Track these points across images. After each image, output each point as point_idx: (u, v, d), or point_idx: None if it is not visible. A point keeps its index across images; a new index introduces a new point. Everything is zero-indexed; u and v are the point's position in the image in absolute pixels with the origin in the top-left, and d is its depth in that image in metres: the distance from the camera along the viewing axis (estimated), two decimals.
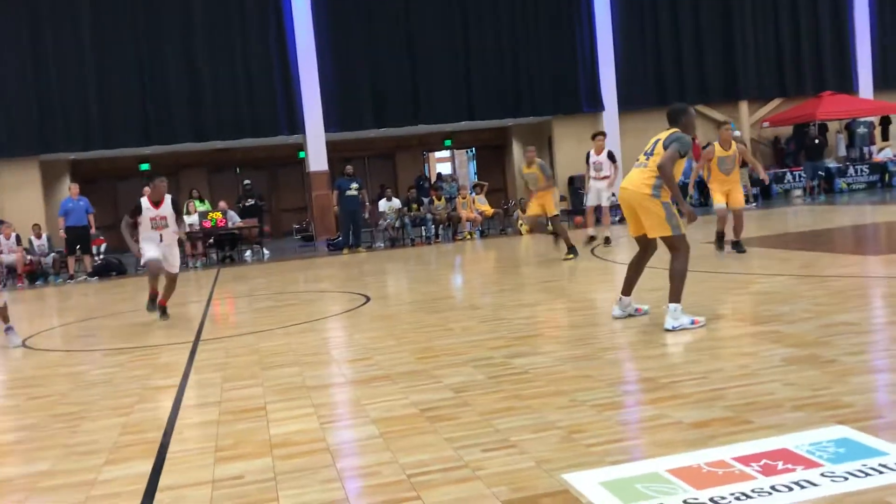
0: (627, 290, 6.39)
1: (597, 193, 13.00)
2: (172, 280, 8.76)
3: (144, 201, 8.62)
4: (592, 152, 13.02)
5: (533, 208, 11.73)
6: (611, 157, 12.77)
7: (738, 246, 9.89)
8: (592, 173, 12.97)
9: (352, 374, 5.37)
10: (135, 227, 8.60)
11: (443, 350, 5.84)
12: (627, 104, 21.42)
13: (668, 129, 5.96)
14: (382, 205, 18.26)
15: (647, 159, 5.93)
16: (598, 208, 13.19)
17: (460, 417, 4.09)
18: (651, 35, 21.54)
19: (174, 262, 8.78)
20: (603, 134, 13.32)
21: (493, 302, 8.20)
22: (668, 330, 5.68)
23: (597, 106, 21.27)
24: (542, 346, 5.72)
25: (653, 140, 6.03)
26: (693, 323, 5.75)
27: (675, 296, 5.78)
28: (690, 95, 21.69)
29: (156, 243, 8.54)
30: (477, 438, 3.72)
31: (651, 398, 4.19)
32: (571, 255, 11.15)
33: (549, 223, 11.87)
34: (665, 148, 5.80)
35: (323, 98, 19.73)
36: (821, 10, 22.32)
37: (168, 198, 8.67)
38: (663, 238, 5.95)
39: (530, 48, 20.87)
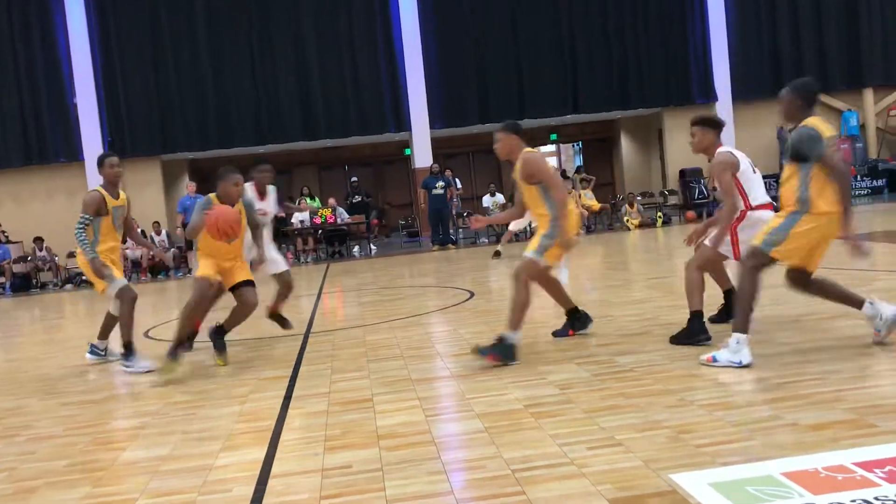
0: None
1: None
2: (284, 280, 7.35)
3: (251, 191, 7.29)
4: None
5: None
6: None
7: None
8: None
9: (456, 368, 5.40)
10: None
11: (547, 346, 5.80)
12: (742, 94, 20.67)
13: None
14: (486, 200, 18.29)
15: None
16: None
17: (565, 414, 4.05)
18: (767, 19, 20.70)
19: (278, 259, 7.43)
20: None
21: (599, 299, 8.08)
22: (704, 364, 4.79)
23: (710, 96, 20.62)
24: (648, 344, 5.59)
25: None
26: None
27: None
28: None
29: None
30: (582, 436, 3.67)
31: (764, 398, 4.03)
32: None
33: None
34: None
35: (428, 95, 19.93)
36: None
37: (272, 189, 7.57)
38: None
39: (638, 37, 20.43)
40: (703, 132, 5.64)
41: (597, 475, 3.17)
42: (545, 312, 7.06)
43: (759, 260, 4.72)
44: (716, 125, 5.70)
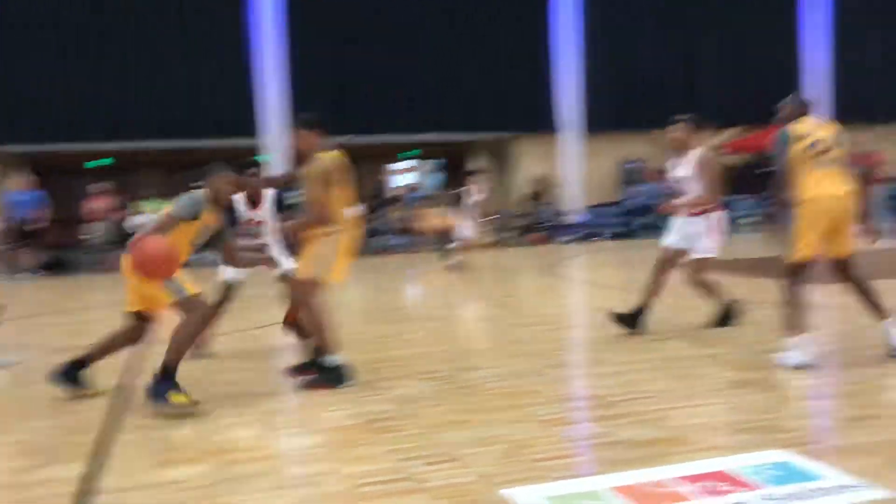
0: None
1: None
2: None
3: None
4: None
5: None
6: None
7: None
8: None
9: (296, 382, 5.29)
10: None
11: (392, 361, 5.80)
12: (589, 126, 21.65)
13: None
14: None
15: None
16: None
17: (405, 429, 4.05)
18: (617, 57, 21.82)
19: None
20: None
21: (446, 315, 8.19)
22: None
23: (558, 126, 21.47)
24: (493, 360, 5.71)
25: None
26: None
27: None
28: (651, 122, 22.01)
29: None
30: (421, 451, 3.69)
31: (598, 415, 4.20)
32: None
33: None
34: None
35: (288, 101, 19.60)
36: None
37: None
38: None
39: (492, 65, 20.99)
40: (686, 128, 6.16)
41: (435, 490, 3.19)
42: (396, 328, 7.06)
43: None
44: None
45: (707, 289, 6.49)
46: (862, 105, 21.20)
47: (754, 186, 21.78)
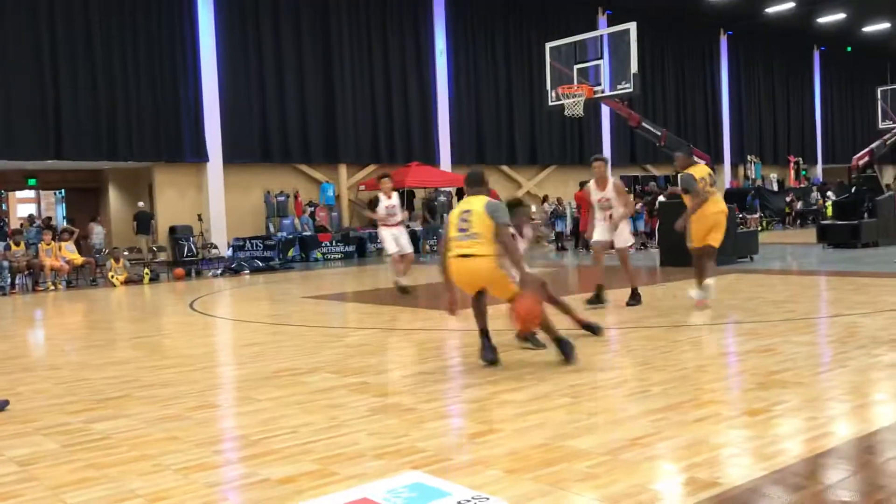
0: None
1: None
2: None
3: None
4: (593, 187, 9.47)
5: None
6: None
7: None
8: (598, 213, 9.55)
9: None
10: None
11: (7, 418, 5.15)
12: (232, 157, 21.41)
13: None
14: None
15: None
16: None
17: (24, 494, 3.62)
18: (257, 93, 21.87)
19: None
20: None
21: (75, 361, 7.49)
22: None
23: (201, 155, 20.91)
24: (128, 408, 5.34)
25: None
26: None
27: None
28: (294, 155, 22.45)
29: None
30: None
31: (241, 456, 4.14)
32: None
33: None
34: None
35: None
36: (410, 95, 24.69)
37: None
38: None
39: (129, 89, 19.80)
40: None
41: None
42: (11, 378, 6.28)
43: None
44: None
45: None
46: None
47: None
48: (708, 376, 5.62)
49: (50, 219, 22.14)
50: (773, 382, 5.25)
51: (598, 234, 9.40)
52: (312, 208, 22.63)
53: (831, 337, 7.15)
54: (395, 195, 12.02)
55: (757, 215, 26.62)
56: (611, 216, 9.28)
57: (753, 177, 34.49)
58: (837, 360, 6.01)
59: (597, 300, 9.30)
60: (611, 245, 9.46)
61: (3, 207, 24.46)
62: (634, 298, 9.38)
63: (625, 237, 9.39)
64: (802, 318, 8.13)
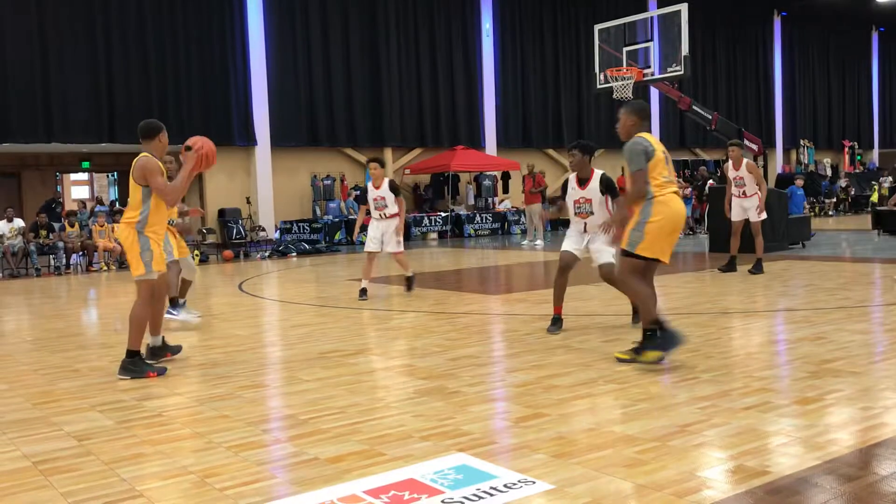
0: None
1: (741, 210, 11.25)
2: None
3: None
4: (730, 166, 11.12)
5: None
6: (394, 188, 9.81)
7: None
8: (734, 190, 11.15)
9: None
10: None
11: (65, 393, 5.30)
12: (279, 141, 21.59)
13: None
14: (1, 227, 16.21)
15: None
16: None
17: (81, 468, 3.73)
18: (304, 75, 21.99)
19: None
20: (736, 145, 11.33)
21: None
22: None
23: (250, 140, 21.14)
24: (179, 386, 5.46)
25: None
26: None
27: None
28: (341, 139, 22.56)
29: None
30: (100, 490, 3.42)
31: (289, 435, 4.19)
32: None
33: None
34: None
35: None
36: (456, 78, 24.60)
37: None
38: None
39: (180, 77, 20.09)
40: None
41: None
42: (68, 356, 6.45)
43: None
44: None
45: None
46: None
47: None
48: (758, 364, 5.53)
49: (114, 203, 22.57)
50: (825, 371, 5.15)
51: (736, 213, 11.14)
52: (358, 192, 22.75)
53: (887, 326, 6.98)
54: (385, 183, 9.70)
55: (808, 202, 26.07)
56: (744, 193, 10.96)
57: (806, 162, 33.79)
58: (893, 349, 5.86)
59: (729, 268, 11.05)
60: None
61: (59, 189, 25.07)
62: (757, 267, 10.81)
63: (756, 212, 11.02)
64: (856, 305, 7.94)
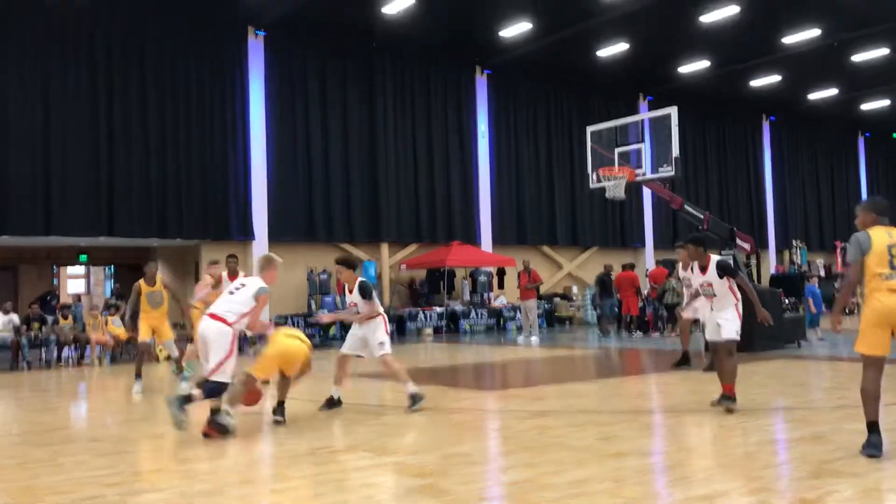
0: None
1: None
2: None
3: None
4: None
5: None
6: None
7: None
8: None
9: None
10: None
11: (47, 489, 5.16)
12: (277, 235, 21.77)
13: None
14: None
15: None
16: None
17: None
18: (304, 172, 22.36)
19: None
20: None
21: (115, 434, 7.52)
22: None
23: (248, 234, 21.30)
24: (164, 481, 5.32)
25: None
26: None
27: None
28: (338, 234, 22.77)
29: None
30: None
31: None
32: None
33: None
34: None
35: None
36: (452, 176, 25.06)
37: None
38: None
39: (180, 169, 20.38)
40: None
41: None
42: (52, 450, 6.29)
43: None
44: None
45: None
46: None
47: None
48: (756, 463, 5.43)
49: (120, 295, 22.34)
50: (825, 471, 5.05)
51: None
52: None
53: (887, 426, 6.88)
54: (357, 287, 8.30)
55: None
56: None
57: (799, 262, 34.06)
58: (895, 450, 5.77)
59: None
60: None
61: (55, 282, 25.08)
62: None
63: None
64: (854, 405, 7.85)
